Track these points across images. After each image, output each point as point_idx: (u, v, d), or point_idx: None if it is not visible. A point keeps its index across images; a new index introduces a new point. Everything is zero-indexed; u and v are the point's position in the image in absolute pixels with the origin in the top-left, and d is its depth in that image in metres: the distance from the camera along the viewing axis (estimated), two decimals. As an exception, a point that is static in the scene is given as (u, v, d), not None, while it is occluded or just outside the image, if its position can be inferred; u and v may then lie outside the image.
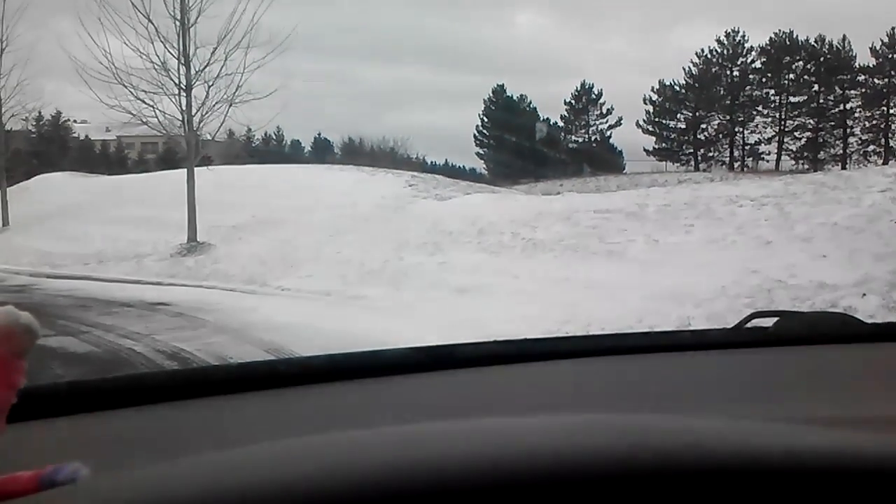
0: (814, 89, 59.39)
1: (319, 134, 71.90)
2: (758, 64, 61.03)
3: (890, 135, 57.51)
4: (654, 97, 62.15)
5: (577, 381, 1.44)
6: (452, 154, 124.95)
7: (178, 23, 20.57)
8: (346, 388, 1.31)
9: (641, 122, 61.98)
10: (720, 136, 62.11)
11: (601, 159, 55.49)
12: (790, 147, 60.37)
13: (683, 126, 62.28)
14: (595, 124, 62.87)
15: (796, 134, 60.38)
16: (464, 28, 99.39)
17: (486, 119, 61.81)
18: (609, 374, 1.47)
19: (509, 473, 0.56)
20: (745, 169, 57.51)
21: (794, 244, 11.31)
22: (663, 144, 62.43)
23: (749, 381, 1.44)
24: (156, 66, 20.41)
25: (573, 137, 62.77)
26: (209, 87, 20.82)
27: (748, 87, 60.92)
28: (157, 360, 8.12)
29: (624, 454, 0.58)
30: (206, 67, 20.71)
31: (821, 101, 59.25)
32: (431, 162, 62.44)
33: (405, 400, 1.31)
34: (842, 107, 58.69)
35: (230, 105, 20.75)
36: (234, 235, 20.15)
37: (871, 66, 57.30)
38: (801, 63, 59.97)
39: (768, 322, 1.64)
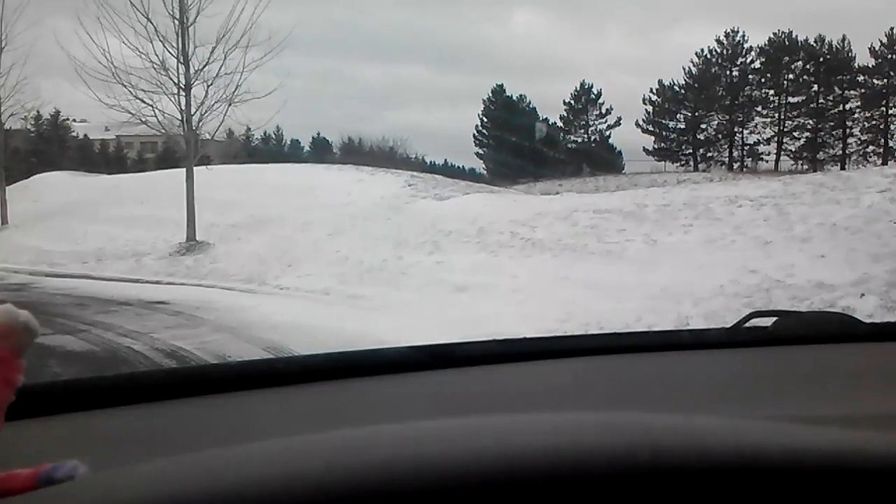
0: (813, 89, 59.39)
1: (318, 133, 71.92)
2: (757, 64, 61.03)
3: (889, 135, 57.51)
4: (654, 97, 62.20)
5: (576, 379, 1.45)
6: (452, 154, 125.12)
7: (177, 22, 20.56)
8: (344, 387, 1.31)
9: (641, 122, 62.05)
10: (719, 136, 62.11)
11: (600, 159, 55.49)
12: (789, 147, 60.43)
13: (683, 126, 62.28)
14: (594, 124, 62.88)
15: (795, 134, 60.39)
16: (462, 28, 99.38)
17: (485, 119, 61.81)
18: (607, 373, 1.48)
19: (508, 471, 0.56)
20: (745, 169, 57.51)
21: (793, 244, 11.32)
22: (662, 144, 62.43)
23: (747, 381, 1.44)
24: (155, 66, 20.41)
25: (572, 137, 62.74)
26: (208, 86, 20.82)
27: (747, 88, 60.91)
28: (155, 359, 8.12)
29: (622, 453, 0.58)
30: (205, 67, 20.71)
31: (820, 101, 59.25)
32: (431, 162, 62.47)
33: (404, 398, 1.31)
34: (841, 107, 58.68)
35: (229, 104, 20.75)
36: (232, 234, 20.14)
37: (870, 66, 57.30)
38: (800, 63, 59.96)
39: (767, 322, 1.64)
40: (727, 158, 61.55)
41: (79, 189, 31.00)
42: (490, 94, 62.20)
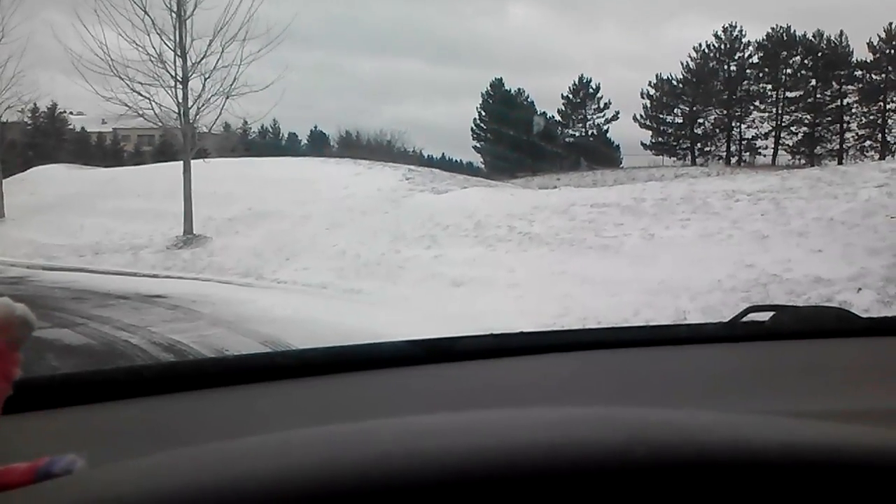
0: (811, 84, 59.40)
1: (316, 127, 71.86)
2: (755, 59, 61.03)
3: (887, 130, 57.56)
4: (652, 91, 62.21)
5: (573, 374, 1.45)
6: (449, 148, 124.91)
7: (174, 14, 20.50)
8: (342, 381, 1.31)
9: (639, 117, 62.07)
10: (717, 130, 62.14)
11: (598, 153, 55.46)
12: (787, 142, 60.46)
13: (680, 120, 62.30)
14: (592, 118, 62.88)
15: (793, 129, 60.44)
16: (459, 21, 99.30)
17: (483, 113, 61.75)
18: (605, 367, 1.48)
19: (505, 465, 0.56)
20: (742, 163, 57.53)
21: (790, 239, 11.33)
22: (660, 139, 62.44)
23: (745, 375, 1.44)
24: (152, 58, 20.36)
25: (570, 131, 62.74)
26: (205, 79, 20.78)
27: (745, 82, 60.92)
28: (153, 353, 8.11)
29: (619, 447, 0.58)
30: (202, 59, 20.66)
31: (818, 96, 59.26)
32: (428, 155, 62.44)
33: (401, 392, 1.31)
34: (839, 102, 58.70)
35: (227, 97, 20.73)
36: (230, 228, 20.12)
37: (868, 61, 57.29)
38: (798, 58, 59.95)
39: (764, 316, 1.64)
40: (725, 153, 61.60)
41: (76, 182, 30.93)
42: (488, 88, 62.19)
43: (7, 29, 26.63)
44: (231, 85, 20.52)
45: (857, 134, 58.81)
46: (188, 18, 20.61)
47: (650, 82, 62.62)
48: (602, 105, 62.47)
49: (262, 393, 1.25)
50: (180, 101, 20.69)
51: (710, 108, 61.61)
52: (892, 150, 55.92)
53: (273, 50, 20.87)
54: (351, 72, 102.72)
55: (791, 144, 60.19)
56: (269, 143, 59.09)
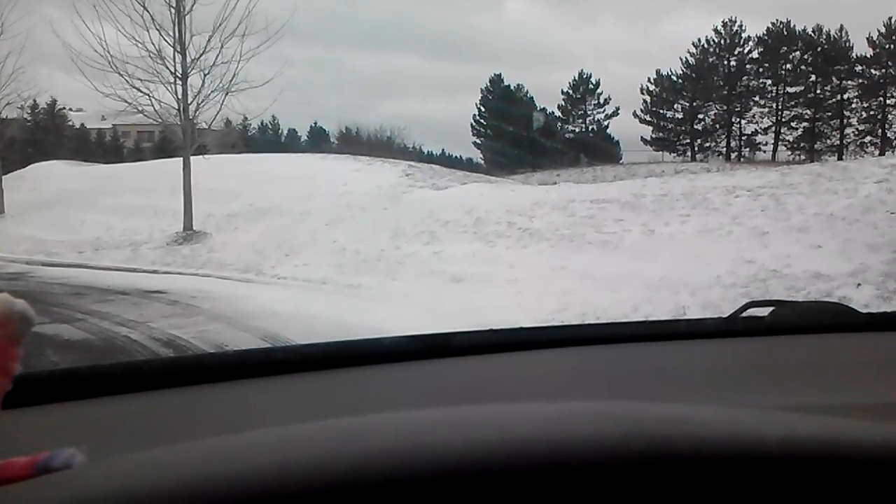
0: (811, 80, 59.31)
1: (315, 123, 71.79)
2: (755, 54, 60.95)
3: (887, 125, 57.53)
4: (652, 87, 62.13)
5: (573, 369, 1.45)
6: (449, 144, 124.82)
7: (173, 10, 20.47)
8: (341, 376, 1.31)
9: (639, 112, 62.01)
10: (717, 126, 62.08)
11: (598, 149, 55.40)
12: (787, 137, 60.40)
13: (680, 116, 62.23)
14: (592, 114, 62.82)
15: (793, 124, 60.35)
16: (457, 16, 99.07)
17: (483, 109, 61.67)
18: (604, 362, 1.48)
19: (505, 460, 0.56)
20: (742, 159, 57.51)
21: (790, 234, 11.33)
22: (660, 134, 62.39)
23: (744, 370, 1.44)
24: (151, 55, 20.33)
25: (570, 127, 62.67)
26: (205, 75, 20.75)
27: (745, 78, 60.83)
28: (152, 348, 8.12)
29: (619, 442, 0.58)
30: (201, 56, 20.62)
31: (818, 91, 59.19)
32: (428, 152, 62.36)
33: (401, 387, 1.31)
34: (839, 97, 58.61)
35: (226, 94, 20.70)
36: (229, 224, 20.12)
37: (868, 56, 57.21)
38: (798, 53, 59.85)
39: (763, 311, 1.64)
40: (725, 148, 61.59)
41: (75, 178, 30.92)
42: (488, 84, 62.12)
43: (6, 25, 26.58)
44: (230, 81, 20.52)
45: (857, 129, 58.79)
46: (187, 14, 20.59)
47: (650, 78, 62.62)
48: (602, 101, 62.45)
49: (262, 388, 1.25)
50: (180, 97, 20.67)
51: (709, 103, 61.54)
52: (893, 145, 55.92)
53: (272, 46, 20.88)
54: (349, 67, 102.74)
55: (791, 140, 60.16)
56: (269, 140, 59.07)
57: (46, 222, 24.07)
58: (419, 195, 19.01)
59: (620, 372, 1.43)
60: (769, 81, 60.81)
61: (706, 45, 61.20)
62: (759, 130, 61.10)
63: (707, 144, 62.05)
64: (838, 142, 58.88)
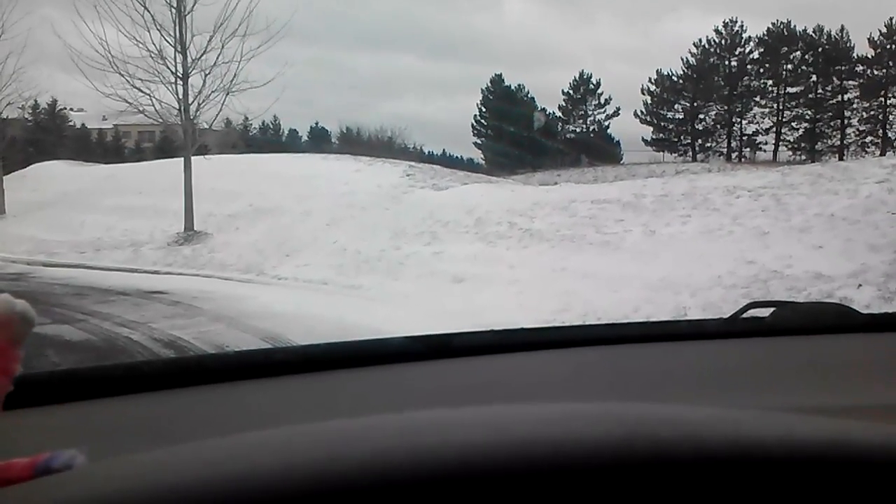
0: (812, 80, 59.30)
1: (317, 123, 71.77)
2: (756, 54, 60.92)
3: (888, 125, 57.51)
4: (652, 87, 62.13)
5: (574, 370, 1.45)
6: (450, 144, 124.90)
7: (174, 10, 20.48)
8: (342, 377, 1.31)
9: (640, 113, 61.99)
10: (718, 126, 62.06)
11: (599, 149, 55.40)
12: (788, 138, 60.38)
13: (681, 116, 62.21)
14: (593, 114, 62.81)
15: (794, 125, 60.34)
16: (456, 16, 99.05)
17: (483, 109, 61.67)
18: (605, 363, 1.48)
19: (506, 461, 0.56)
20: (743, 159, 57.50)
21: (791, 235, 11.32)
22: (661, 135, 62.37)
23: (745, 371, 1.44)
24: (152, 55, 20.35)
25: (571, 128, 62.66)
26: (206, 75, 20.77)
27: (746, 78, 60.82)
28: (153, 349, 8.12)
29: (620, 443, 0.58)
30: (202, 56, 20.64)
31: (818, 91, 59.17)
32: (429, 152, 62.36)
33: (402, 388, 1.31)
34: (840, 97, 58.60)
35: (227, 94, 20.71)
36: (230, 224, 20.13)
37: (869, 56, 57.21)
38: (798, 53, 59.85)
39: (765, 312, 1.64)
40: (726, 149, 61.56)
41: (76, 179, 30.93)
42: (488, 84, 62.11)
43: (7, 25, 26.61)
44: (231, 81, 20.54)
45: (858, 129, 58.76)
46: (188, 14, 20.61)
47: (650, 78, 62.60)
48: (603, 101, 62.45)
49: (263, 389, 1.25)
50: (181, 97, 20.68)
51: (710, 103, 61.53)
52: (894, 145, 55.87)
53: (273, 46, 20.89)
54: (350, 67, 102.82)
55: (792, 140, 60.13)
56: (270, 140, 59.04)
57: (47, 223, 24.09)
58: (420, 195, 19.01)
59: (621, 373, 1.43)
60: (770, 82, 60.80)
61: (707, 46, 61.22)
62: (760, 131, 61.16)
63: (708, 145, 62.05)
64: (839, 142, 58.87)
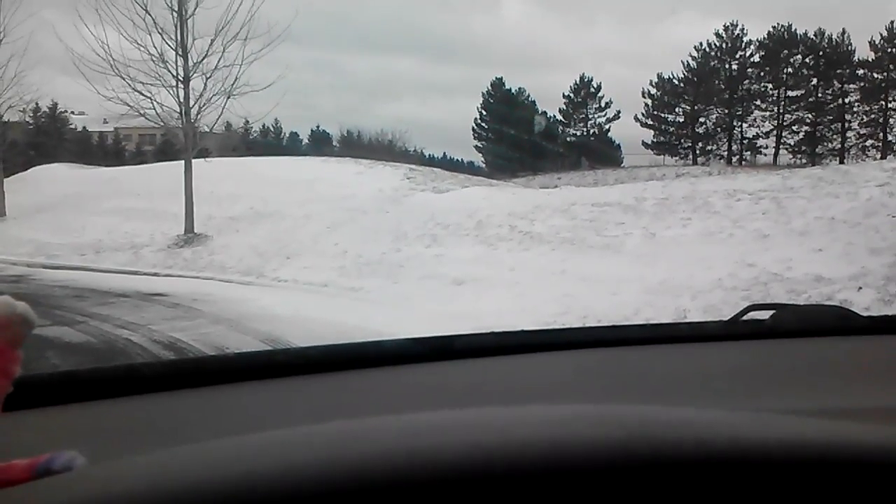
0: (812, 83, 59.31)
1: (318, 126, 71.80)
2: (756, 58, 60.95)
3: (888, 129, 57.52)
4: (653, 91, 62.17)
5: (574, 372, 1.45)
6: (451, 147, 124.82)
7: (175, 14, 20.49)
8: (343, 378, 1.31)
9: (640, 116, 62.02)
10: (718, 129, 62.07)
11: (599, 153, 55.43)
12: (788, 141, 60.38)
13: (682, 120, 62.21)
14: (594, 118, 62.82)
15: (794, 128, 60.38)
16: (455, 19, 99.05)
17: (484, 112, 61.70)
18: (606, 365, 1.48)
19: (506, 463, 0.56)
20: (743, 163, 57.49)
21: (792, 238, 11.32)
22: (662, 138, 62.38)
23: (745, 373, 1.44)
24: (153, 58, 20.35)
25: (571, 131, 62.68)
26: (207, 78, 20.76)
27: (746, 81, 60.85)
28: (153, 350, 8.12)
29: (620, 444, 0.58)
30: (203, 59, 20.64)
31: (819, 95, 59.19)
32: (429, 155, 62.38)
33: (403, 390, 1.31)
34: (840, 101, 58.61)
35: (228, 97, 20.71)
36: (231, 227, 20.13)
37: (870, 60, 57.21)
38: (799, 57, 59.88)
39: (765, 315, 1.64)
40: (726, 152, 61.55)
41: (77, 181, 30.94)
42: (489, 87, 62.13)
43: (8, 29, 26.62)
44: (232, 84, 20.53)
45: (858, 133, 58.78)
46: (189, 18, 20.62)
47: (651, 81, 62.61)
48: (603, 104, 62.46)
49: (263, 390, 1.25)
50: (182, 100, 20.69)
51: (711, 107, 61.56)
52: (894, 149, 55.86)
53: (273, 50, 20.89)
54: (350, 71, 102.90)
55: (792, 143, 60.15)
56: (271, 143, 59.06)
57: (48, 225, 24.09)
58: (420, 198, 19.02)
59: (621, 375, 1.43)
60: (770, 85, 60.83)
61: (707, 49, 61.25)
62: (761, 134, 61.17)
63: (708, 148, 62.07)
64: (840, 145, 58.88)
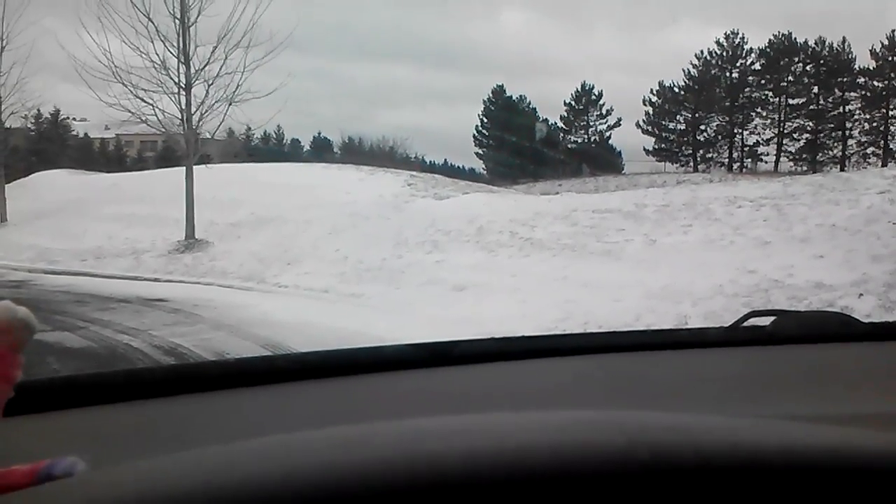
0: (813, 91, 59.34)
1: (319, 133, 71.92)
2: (757, 66, 61.00)
3: (889, 137, 57.50)
4: (654, 98, 62.21)
5: (575, 378, 1.45)
6: (452, 154, 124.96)
7: (177, 21, 20.57)
8: (343, 384, 1.31)
9: (641, 123, 62.04)
10: (719, 137, 62.11)
11: (600, 160, 55.42)
12: (789, 149, 60.40)
13: (683, 127, 62.25)
14: (595, 125, 62.87)
15: (795, 136, 60.36)
16: (454, 26, 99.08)
17: (485, 119, 61.74)
18: (606, 371, 1.48)
19: (507, 469, 0.56)
20: (744, 170, 57.49)
21: (792, 245, 11.32)
22: (663, 145, 62.40)
23: (746, 380, 1.44)
24: (155, 65, 20.42)
25: (572, 138, 62.71)
26: (209, 85, 20.83)
27: (747, 89, 60.88)
28: (154, 356, 8.12)
29: (621, 451, 0.58)
30: (205, 66, 20.71)
31: (820, 103, 59.22)
32: (430, 161, 62.52)
33: (403, 396, 1.31)
34: (841, 109, 58.64)
35: (230, 104, 20.76)
36: (232, 233, 20.14)
37: (870, 68, 57.24)
38: (800, 65, 59.94)
39: (765, 321, 1.64)
40: (727, 159, 61.58)
41: (78, 187, 30.98)
42: (490, 95, 62.21)
43: (11, 36, 26.73)
44: (234, 92, 20.59)
45: (859, 141, 58.75)
46: (192, 26, 20.68)
47: (652, 89, 62.64)
48: (604, 112, 62.51)
49: (264, 396, 1.25)
50: (183, 107, 20.74)
51: (712, 114, 61.60)
52: (895, 156, 55.87)
53: (275, 57, 20.94)
54: (351, 78, 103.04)
55: (793, 151, 60.16)
56: (272, 149, 59.15)
57: (49, 231, 24.11)
58: (421, 205, 19.03)
59: (622, 381, 1.43)
60: (771, 93, 60.86)
61: (708, 57, 61.32)
62: (762, 141, 61.17)
63: (709, 155, 62.08)
64: (840, 153, 58.88)
